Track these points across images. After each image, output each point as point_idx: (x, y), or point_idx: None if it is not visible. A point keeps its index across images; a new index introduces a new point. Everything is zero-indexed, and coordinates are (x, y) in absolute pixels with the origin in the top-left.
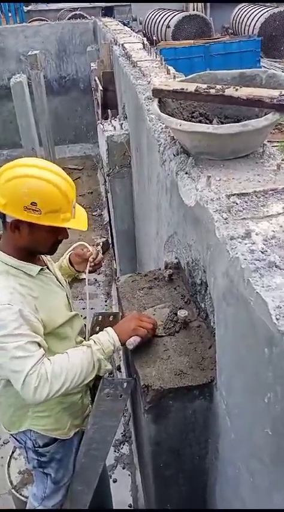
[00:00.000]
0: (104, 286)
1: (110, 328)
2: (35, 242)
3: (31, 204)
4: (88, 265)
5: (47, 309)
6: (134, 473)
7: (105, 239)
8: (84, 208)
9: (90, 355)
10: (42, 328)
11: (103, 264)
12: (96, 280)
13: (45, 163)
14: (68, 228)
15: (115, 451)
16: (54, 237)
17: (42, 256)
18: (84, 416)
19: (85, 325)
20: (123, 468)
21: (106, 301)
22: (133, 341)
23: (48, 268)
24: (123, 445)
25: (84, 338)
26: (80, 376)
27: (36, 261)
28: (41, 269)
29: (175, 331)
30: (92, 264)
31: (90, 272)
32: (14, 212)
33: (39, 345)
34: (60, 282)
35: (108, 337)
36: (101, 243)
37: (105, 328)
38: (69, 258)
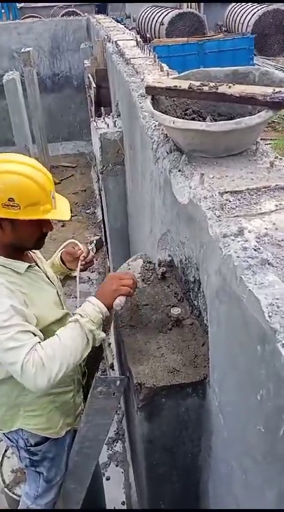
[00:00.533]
0: (97, 284)
1: (92, 296)
2: (20, 238)
3: (8, 200)
4: (79, 264)
5: (37, 306)
6: (127, 470)
7: (98, 237)
8: (77, 206)
9: (80, 329)
10: (35, 319)
11: (95, 262)
12: (89, 278)
13: (17, 157)
14: (52, 220)
15: (108, 449)
16: (38, 231)
17: (31, 253)
18: (76, 415)
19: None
20: (116, 466)
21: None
22: (119, 302)
23: (37, 265)
24: (116, 442)
25: None
26: (76, 353)
27: (24, 258)
28: (29, 266)
29: (168, 329)
30: (83, 262)
31: (81, 270)
32: None
33: (33, 334)
34: (50, 280)
35: (92, 306)
36: (94, 241)
37: (87, 298)
38: (60, 256)
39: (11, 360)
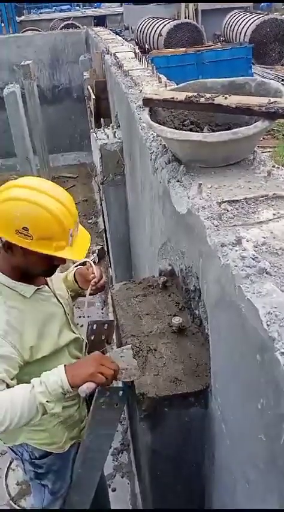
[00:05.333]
0: (100, 294)
1: (62, 367)
2: (28, 265)
3: (22, 228)
4: (89, 288)
5: (36, 335)
6: (133, 481)
7: (100, 246)
8: (79, 216)
9: (33, 398)
10: (17, 358)
11: (104, 289)
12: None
13: (46, 186)
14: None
15: (114, 460)
16: (49, 263)
17: None
18: (81, 428)
19: (83, 339)
20: (122, 477)
21: (102, 308)
22: (86, 388)
23: (47, 283)
24: (122, 453)
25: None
26: (21, 418)
27: (35, 279)
28: (37, 289)
29: (170, 338)
30: (94, 288)
31: (91, 294)
32: (5, 234)
33: (1, 380)
34: (58, 300)
35: (56, 377)
36: (97, 251)
37: (58, 366)
38: (74, 273)
39: None
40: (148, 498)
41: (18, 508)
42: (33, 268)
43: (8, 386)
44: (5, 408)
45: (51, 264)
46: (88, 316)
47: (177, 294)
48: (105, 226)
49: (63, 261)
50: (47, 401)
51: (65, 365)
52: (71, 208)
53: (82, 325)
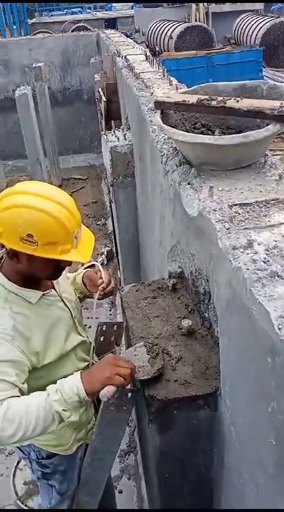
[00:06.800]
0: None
1: (78, 374)
2: (35, 270)
3: (27, 235)
4: (98, 293)
5: (43, 341)
6: (139, 484)
7: (109, 248)
8: (88, 217)
9: (49, 406)
10: (27, 363)
11: (107, 275)
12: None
13: (47, 190)
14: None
15: (120, 462)
16: (55, 266)
17: None
18: (88, 429)
19: (90, 342)
20: (129, 479)
21: (110, 310)
22: (106, 392)
23: (54, 288)
24: (129, 455)
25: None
26: (36, 427)
27: (42, 284)
28: (43, 294)
29: (179, 341)
30: (102, 293)
31: (99, 299)
32: (10, 242)
33: (12, 385)
34: (65, 304)
35: (72, 384)
36: (105, 252)
37: (74, 373)
38: (82, 276)
39: None
40: (156, 501)
41: (25, 508)
42: (39, 273)
43: (20, 390)
44: (20, 416)
45: (57, 268)
46: (96, 318)
47: (186, 296)
48: (114, 228)
49: (69, 263)
50: (63, 409)
51: (80, 372)
52: (73, 210)
53: (90, 326)
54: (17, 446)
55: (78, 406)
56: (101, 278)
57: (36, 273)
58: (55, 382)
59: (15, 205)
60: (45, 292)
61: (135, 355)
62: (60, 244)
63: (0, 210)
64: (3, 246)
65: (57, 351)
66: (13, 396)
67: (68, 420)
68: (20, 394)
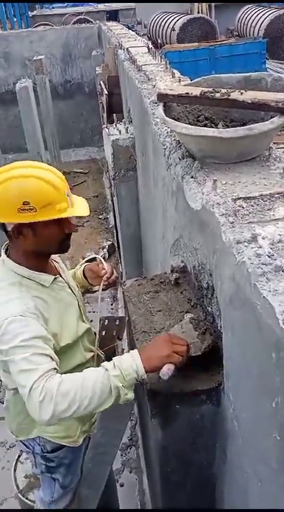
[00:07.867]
0: (110, 289)
1: (136, 352)
2: (42, 242)
3: (23, 204)
4: (102, 284)
5: (58, 324)
6: (141, 477)
7: (110, 242)
8: (90, 211)
9: (107, 381)
10: (53, 341)
11: (109, 270)
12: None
13: (24, 162)
14: (71, 219)
15: (122, 455)
16: (61, 232)
17: (54, 263)
18: (92, 422)
19: (95, 333)
20: (130, 472)
21: (112, 304)
22: (167, 371)
23: (60, 275)
24: (130, 449)
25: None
26: (91, 401)
27: (49, 269)
28: (54, 278)
29: None
30: (106, 283)
31: (103, 289)
32: (9, 218)
33: (51, 358)
34: (72, 291)
35: (131, 362)
36: (107, 246)
37: (131, 351)
38: (83, 270)
39: (22, 383)
40: (158, 495)
41: (26, 500)
42: (48, 244)
43: (56, 364)
44: (74, 391)
45: (63, 233)
46: (99, 312)
47: (189, 290)
48: (115, 222)
49: (71, 226)
50: (122, 385)
51: (137, 349)
52: (56, 172)
53: (92, 320)
54: (21, 440)
55: (133, 384)
56: (104, 269)
57: (45, 246)
58: (65, 373)
59: (2, 182)
60: (55, 276)
61: (183, 332)
62: (56, 203)
63: None
64: (4, 231)
65: (71, 334)
66: (55, 368)
67: (125, 397)
68: (58, 368)
